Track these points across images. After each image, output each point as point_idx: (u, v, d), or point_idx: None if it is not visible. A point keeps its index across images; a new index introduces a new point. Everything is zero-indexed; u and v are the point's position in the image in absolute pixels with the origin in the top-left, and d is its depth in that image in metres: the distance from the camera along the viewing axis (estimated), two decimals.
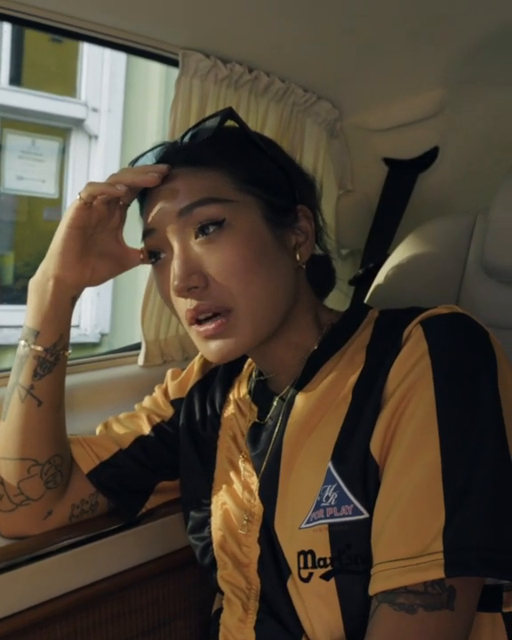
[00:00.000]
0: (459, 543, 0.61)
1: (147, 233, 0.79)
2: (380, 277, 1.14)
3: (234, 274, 0.74)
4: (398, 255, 1.14)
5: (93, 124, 3.58)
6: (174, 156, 0.79)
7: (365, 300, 1.15)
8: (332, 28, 1.12)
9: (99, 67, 3.51)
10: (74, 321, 3.43)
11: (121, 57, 3.36)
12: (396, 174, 1.43)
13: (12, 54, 3.41)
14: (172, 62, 1.11)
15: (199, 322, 0.76)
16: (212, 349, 0.76)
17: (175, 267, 0.75)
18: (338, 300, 1.00)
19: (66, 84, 3.54)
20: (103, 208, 0.82)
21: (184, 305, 0.77)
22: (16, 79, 3.42)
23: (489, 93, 1.31)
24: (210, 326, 0.75)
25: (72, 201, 0.82)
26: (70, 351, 0.88)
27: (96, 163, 3.53)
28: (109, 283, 3.74)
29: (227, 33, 1.09)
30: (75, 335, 3.87)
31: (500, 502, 0.63)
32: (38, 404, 0.84)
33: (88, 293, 3.57)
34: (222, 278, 0.74)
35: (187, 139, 0.81)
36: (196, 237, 0.75)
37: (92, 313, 3.65)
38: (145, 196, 0.81)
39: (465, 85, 1.30)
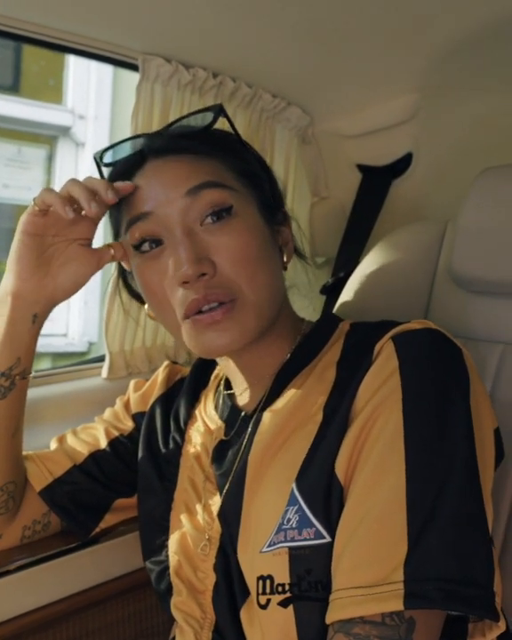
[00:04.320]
0: (420, 574, 0.57)
1: (139, 217, 0.73)
2: (348, 287, 1.12)
3: (243, 261, 0.71)
4: (367, 264, 1.11)
5: (80, 131, 3.55)
6: (167, 143, 0.76)
7: (334, 310, 1.12)
8: (299, 33, 1.09)
9: (85, 73, 3.49)
10: (61, 330, 3.35)
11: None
12: (370, 181, 1.40)
13: (11, 62, 3.39)
14: (132, 67, 1.08)
15: (200, 312, 0.71)
16: (210, 339, 0.71)
17: (182, 252, 0.70)
18: (308, 310, 0.98)
19: (53, 91, 3.52)
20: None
21: (185, 296, 0.71)
22: (14, 87, 3.41)
23: (463, 99, 1.29)
24: (215, 313, 0.70)
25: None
26: (32, 375, 0.83)
27: (83, 170, 3.50)
28: (96, 291, 3.72)
29: (188, 37, 1.06)
30: (62, 344, 3.83)
31: (465, 532, 0.59)
32: None
33: (75, 303, 3.53)
34: (231, 265, 0.71)
35: (174, 129, 0.78)
36: (202, 223, 0.72)
37: (79, 322, 3.61)
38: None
39: (438, 91, 1.28)
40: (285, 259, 0.81)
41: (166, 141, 0.76)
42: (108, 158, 0.81)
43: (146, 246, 0.74)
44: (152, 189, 0.73)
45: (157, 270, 0.73)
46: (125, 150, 0.79)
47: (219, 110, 0.77)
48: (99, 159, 0.81)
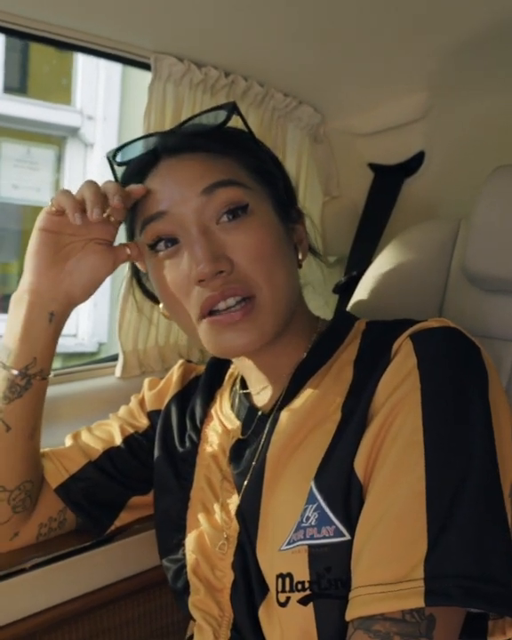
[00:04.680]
0: (440, 571, 0.57)
1: (155, 216, 0.73)
2: (362, 285, 1.11)
3: (260, 259, 0.71)
4: (380, 262, 1.11)
5: (89, 132, 3.57)
6: (181, 142, 0.76)
7: (347, 309, 1.11)
8: (311, 31, 1.09)
9: (94, 74, 3.50)
10: (71, 331, 3.36)
11: (116, 64, 3.35)
12: (382, 180, 1.40)
13: (19, 63, 3.40)
14: (144, 66, 1.08)
15: (216, 312, 0.71)
16: (229, 339, 0.71)
17: (198, 250, 0.70)
18: (323, 309, 0.98)
19: (61, 92, 3.53)
20: None
21: (201, 293, 0.71)
22: (22, 88, 3.42)
23: (474, 97, 1.28)
24: (234, 313, 0.70)
25: None
26: (52, 375, 0.83)
27: (92, 171, 3.52)
28: (106, 292, 3.75)
29: (200, 36, 1.06)
30: (72, 345, 3.85)
31: (485, 529, 0.59)
32: (6, 430, 0.81)
33: (85, 304, 3.55)
34: (248, 262, 0.71)
35: (188, 128, 0.78)
36: (218, 222, 0.72)
37: (89, 323, 3.63)
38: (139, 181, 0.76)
39: (450, 89, 1.27)
40: (300, 256, 0.81)
41: (180, 140, 0.76)
42: (121, 158, 0.81)
43: (161, 246, 0.74)
44: (166, 188, 0.73)
45: (173, 269, 0.73)
46: (138, 150, 0.79)
47: (232, 108, 0.76)
48: (112, 159, 0.81)
